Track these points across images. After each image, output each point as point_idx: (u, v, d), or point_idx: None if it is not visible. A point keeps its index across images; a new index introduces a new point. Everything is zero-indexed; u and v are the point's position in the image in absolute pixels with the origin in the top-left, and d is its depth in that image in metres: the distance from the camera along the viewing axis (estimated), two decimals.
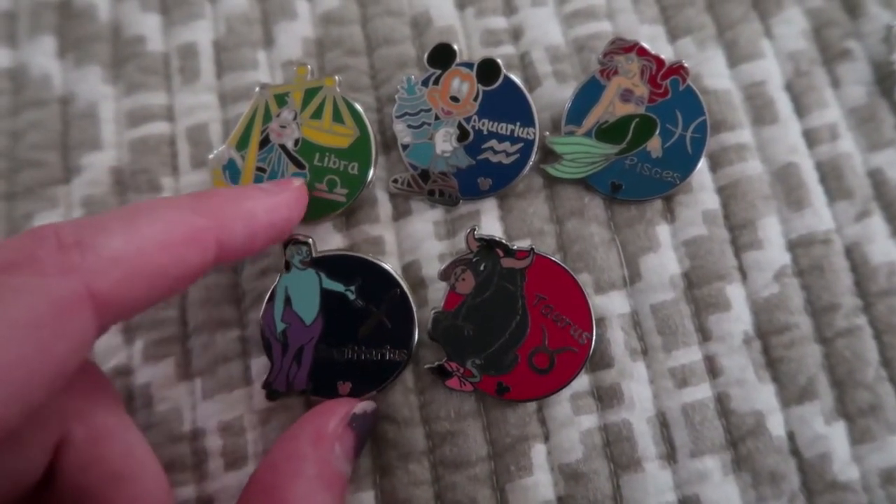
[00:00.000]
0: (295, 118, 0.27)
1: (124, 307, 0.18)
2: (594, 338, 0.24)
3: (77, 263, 0.17)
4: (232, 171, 0.26)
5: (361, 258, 0.25)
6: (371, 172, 0.27)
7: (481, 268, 0.25)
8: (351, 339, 0.25)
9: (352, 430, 0.22)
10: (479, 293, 0.25)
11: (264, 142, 0.27)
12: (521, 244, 0.25)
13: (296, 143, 0.27)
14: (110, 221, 0.18)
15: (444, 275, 0.25)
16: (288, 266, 0.25)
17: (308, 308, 0.25)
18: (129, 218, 0.19)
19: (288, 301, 0.25)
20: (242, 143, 0.27)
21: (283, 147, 0.27)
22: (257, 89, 0.27)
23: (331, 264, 0.25)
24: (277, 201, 0.23)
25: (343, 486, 0.22)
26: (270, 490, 0.20)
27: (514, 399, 0.24)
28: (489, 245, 0.25)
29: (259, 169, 0.26)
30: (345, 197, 0.26)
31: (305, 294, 0.25)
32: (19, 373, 0.15)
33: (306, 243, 0.25)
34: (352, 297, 0.25)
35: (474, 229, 0.25)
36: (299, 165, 0.27)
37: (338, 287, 0.25)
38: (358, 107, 0.27)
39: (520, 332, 0.24)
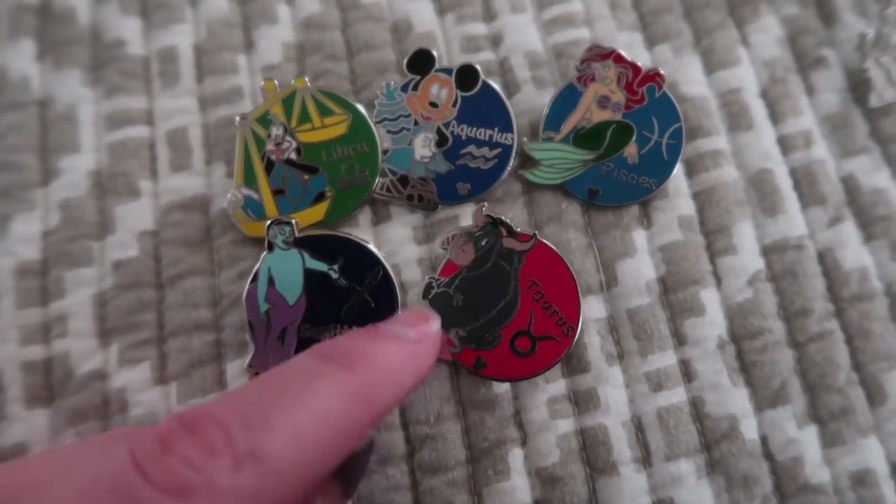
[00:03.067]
0: (286, 131, 0.27)
1: None
2: (578, 332, 0.25)
3: (251, 487, 0.15)
4: (253, 208, 0.27)
5: (344, 237, 0.26)
6: (379, 142, 0.27)
7: (482, 243, 0.25)
8: (334, 318, 0.25)
9: (336, 477, 0.21)
10: (475, 267, 0.25)
11: (269, 166, 0.27)
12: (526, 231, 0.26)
13: (298, 152, 0.27)
14: (274, 417, 0.16)
15: (446, 243, 0.25)
16: (271, 246, 0.25)
17: (291, 288, 0.25)
18: (287, 407, 0.17)
19: (271, 281, 0.25)
20: (249, 179, 0.27)
21: (289, 162, 0.27)
22: (237, 120, 0.27)
23: (314, 244, 0.25)
24: (421, 360, 0.21)
25: None
26: None
27: (488, 376, 0.24)
28: (494, 223, 0.25)
29: (277, 192, 0.27)
30: (369, 175, 0.27)
31: (289, 274, 0.25)
32: None
33: (289, 223, 0.25)
34: (335, 276, 0.25)
35: (483, 206, 0.26)
36: (312, 171, 0.27)
37: (321, 266, 0.25)
38: (337, 94, 0.27)
39: (507, 311, 0.25)
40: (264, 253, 0.25)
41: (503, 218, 0.25)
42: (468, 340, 0.25)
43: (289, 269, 0.25)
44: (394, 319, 0.22)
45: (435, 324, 0.23)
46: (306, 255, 0.25)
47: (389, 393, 0.19)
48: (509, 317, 0.25)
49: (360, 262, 0.25)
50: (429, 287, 0.25)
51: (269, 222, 0.25)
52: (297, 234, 0.25)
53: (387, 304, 0.25)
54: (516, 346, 0.25)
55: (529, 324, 0.25)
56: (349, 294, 0.25)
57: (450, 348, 0.25)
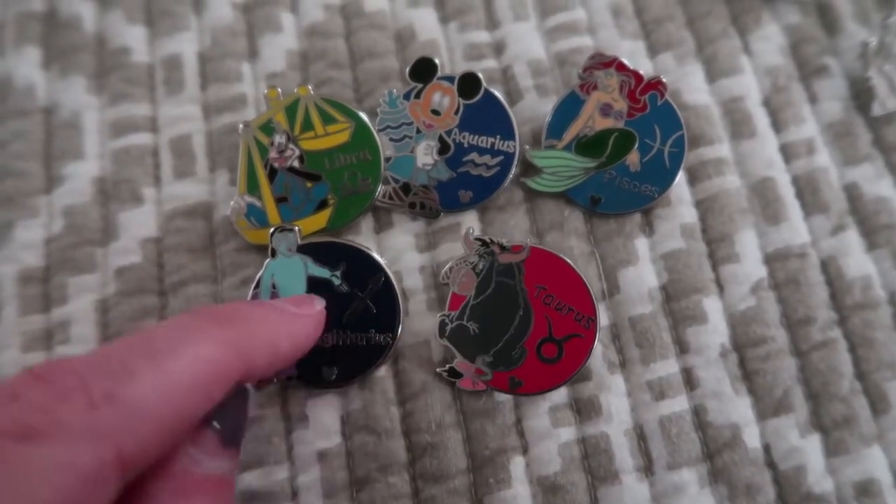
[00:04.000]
0: (289, 139, 0.27)
1: (149, 461, 0.16)
2: (598, 321, 0.25)
3: (107, 426, 0.15)
4: (256, 215, 0.27)
5: (346, 244, 0.26)
6: (382, 151, 0.27)
7: (480, 266, 0.25)
8: (336, 324, 0.25)
9: (206, 425, 0.19)
10: (480, 292, 0.25)
11: (272, 174, 0.27)
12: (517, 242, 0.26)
13: (301, 160, 0.27)
14: (137, 362, 0.16)
15: (445, 277, 0.25)
16: (274, 253, 0.25)
17: (294, 294, 0.25)
18: (154, 354, 0.17)
19: (274, 288, 0.25)
20: (252, 186, 0.27)
21: (291, 170, 0.27)
22: (241, 128, 0.27)
23: (316, 251, 0.25)
24: (299, 329, 0.22)
25: (219, 487, 0.19)
26: None
27: (528, 393, 0.24)
28: (485, 244, 0.25)
29: (280, 200, 0.27)
30: (371, 183, 0.27)
31: (291, 280, 0.25)
32: None
33: (292, 230, 0.25)
34: (337, 282, 0.25)
35: (470, 231, 0.26)
36: (314, 178, 0.27)
37: (323, 273, 0.25)
38: (340, 102, 0.28)
39: (524, 325, 0.25)
40: (267, 260, 0.25)
41: (491, 238, 0.25)
42: (496, 364, 0.25)
43: (291, 276, 0.25)
44: (281, 299, 0.23)
45: (319, 304, 0.24)
46: (309, 262, 0.25)
47: (262, 351, 0.20)
48: (528, 329, 0.25)
49: (362, 268, 0.25)
50: (443, 325, 0.25)
51: (272, 229, 0.25)
52: (300, 242, 0.25)
53: (388, 308, 0.25)
54: (544, 355, 0.24)
55: (549, 329, 0.25)
56: (351, 300, 0.25)
57: (481, 377, 0.24)
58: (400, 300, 0.25)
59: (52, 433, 0.14)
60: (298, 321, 0.22)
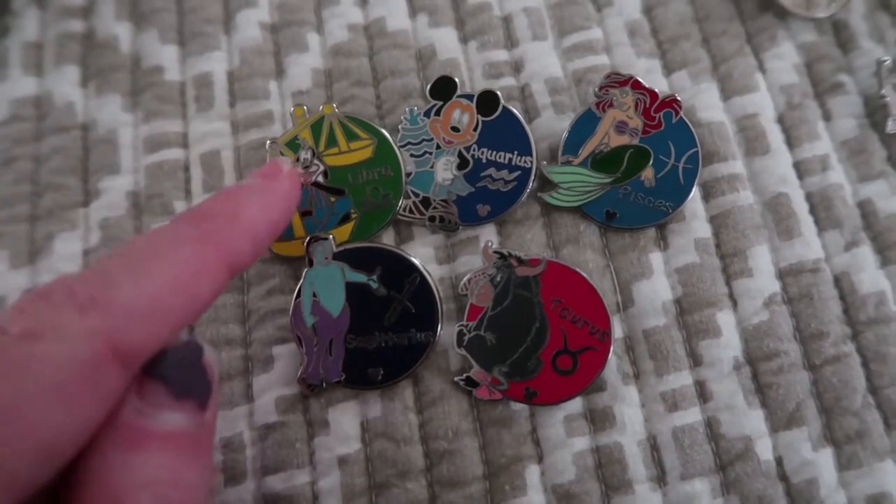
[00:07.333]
0: (314, 155, 0.28)
1: (149, 351, 0.18)
2: (613, 334, 0.25)
3: (96, 325, 0.17)
4: None
5: (379, 248, 0.27)
6: (403, 166, 0.28)
7: (498, 279, 0.26)
8: (378, 326, 0.26)
9: (151, 376, 0.18)
10: (497, 303, 0.26)
11: None
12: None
13: (325, 175, 0.28)
14: (118, 273, 0.18)
15: (465, 289, 0.26)
16: (311, 262, 0.26)
17: (334, 301, 0.26)
18: (135, 264, 0.18)
19: (315, 297, 0.26)
20: None
21: (316, 184, 0.28)
22: (267, 145, 0.28)
23: (352, 256, 0.26)
24: (273, 199, 0.23)
25: (178, 442, 0.18)
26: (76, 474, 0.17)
27: (542, 403, 0.25)
28: (503, 257, 0.26)
29: (304, 213, 0.28)
30: (393, 198, 0.28)
31: (330, 288, 0.26)
32: (48, 434, 0.15)
33: (327, 238, 0.26)
34: (374, 286, 0.26)
35: (489, 244, 0.26)
36: (338, 192, 0.28)
37: (360, 278, 0.26)
38: (363, 119, 0.29)
39: (540, 336, 0.25)
40: (306, 269, 0.26)
41: (510, 251, 0.26)
42: (512, 374, 0.25)
43: (330, 284, 0.26)
44: (252, 173, 0.24)
45: (286, 167, 0.24)
46: (346, 268, 0.26)
47: (243, 241, 0.21)
48: (544, 340, 0.25)
49: (398, 270, 0.26)
50: (461, 335, 0.26)
51: (307, 239, 0.26)
52: (335, 249, 0.26)
53: (426, 307, 0.26)
54: (559, 366, 0.25)
55: (565, 341, 0.25)
56: (390, 302, 0.26)
57: (497, 386, 0.25)
58: (437, 298, 0.26)
59: (47, 333, 0.16)
60: (271, 201, 0.22)
